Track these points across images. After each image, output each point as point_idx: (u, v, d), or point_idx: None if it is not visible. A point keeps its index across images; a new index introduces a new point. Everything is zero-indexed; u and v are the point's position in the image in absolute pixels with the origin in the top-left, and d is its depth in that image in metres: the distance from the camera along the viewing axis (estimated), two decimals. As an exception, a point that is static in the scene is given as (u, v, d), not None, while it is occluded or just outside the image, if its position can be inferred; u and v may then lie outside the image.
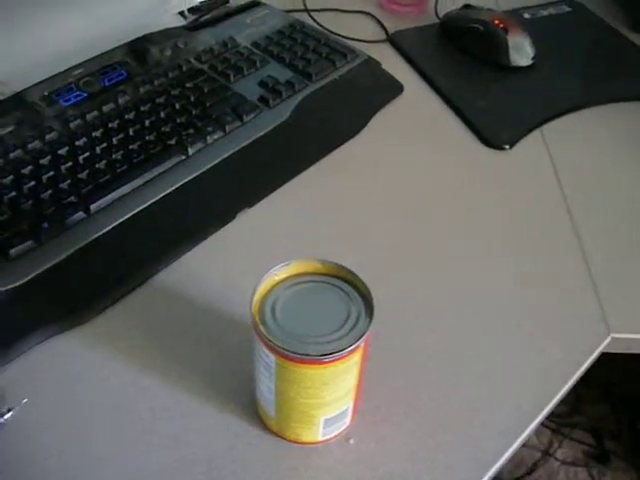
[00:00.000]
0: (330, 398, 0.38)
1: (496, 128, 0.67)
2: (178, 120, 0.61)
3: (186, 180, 0.57)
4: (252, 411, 0.43)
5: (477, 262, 0.55)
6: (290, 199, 0.58)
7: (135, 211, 0.54)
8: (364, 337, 0.36)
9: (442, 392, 0.46)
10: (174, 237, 0.53)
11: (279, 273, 0.39)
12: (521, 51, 0.74)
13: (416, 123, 0.68)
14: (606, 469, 1.17)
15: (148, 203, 0.55)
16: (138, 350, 0.47)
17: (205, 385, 0.45)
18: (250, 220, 0.56)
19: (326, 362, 0.35)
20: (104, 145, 0.58)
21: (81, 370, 0.46)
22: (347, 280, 0.39)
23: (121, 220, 0.54)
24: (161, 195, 0.56)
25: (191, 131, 0.60)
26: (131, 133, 0.59)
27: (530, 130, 0.67)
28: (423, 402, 0.45)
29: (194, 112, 0.62)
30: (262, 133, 0.62)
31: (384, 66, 0.73)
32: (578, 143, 0.67)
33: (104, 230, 0.53)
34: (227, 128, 0.61)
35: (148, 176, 0.56)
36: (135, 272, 0.51)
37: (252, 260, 0.53)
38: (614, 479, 1.16)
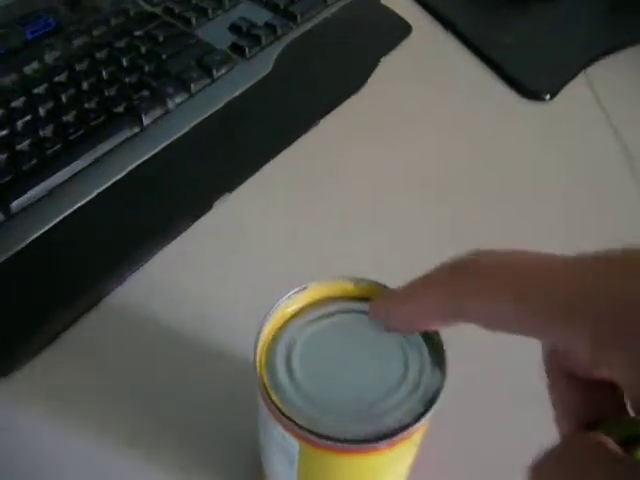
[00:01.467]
0: (381, 491, 0.25)
1: (531, 73, 0.53)
2: (126, 80, 0.46)
3: (142, 160, 0.43)
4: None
5: (531, 240, 0.42)
6: (281, 179, 0.44)
7: (75, 207, 0.40)
8: (438, 400, 0.23)
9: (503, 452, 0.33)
10: (132, 239, 0.39)
11: (291, 303, 0.25)
12: (548, -24, 0.61)
13: (431, 69, 0.54)
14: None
15: (92, 195, 0.41)
16: (89, 408, 0.33)
17: (184, 458, 0.32)
18: (232, 209, 0.42)
19: (381, 448, 0.22)
20: (27, 118, 0.43)
21: (7, 438, 0.32)
22: (395, 306, 0.25)
23: (55, 221, 0.39)
24: (110, 183, 0.41)
25: (145, 94, 0.45)
26: (64, 100, 0.44)
27: (574, 75, 0.54)
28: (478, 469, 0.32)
29: (147, 68, 0.47)
30: (238, 92, 0.47)
31: (384, 1, 0.58)
32: (632, 89, 0.54)
33: (32, 237, 0.38)
34: (192, 87, 0.46)
35: (90, 157, 0.42)
36: (80, 293, 0.37)
37: (238, 264, 0.39)
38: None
